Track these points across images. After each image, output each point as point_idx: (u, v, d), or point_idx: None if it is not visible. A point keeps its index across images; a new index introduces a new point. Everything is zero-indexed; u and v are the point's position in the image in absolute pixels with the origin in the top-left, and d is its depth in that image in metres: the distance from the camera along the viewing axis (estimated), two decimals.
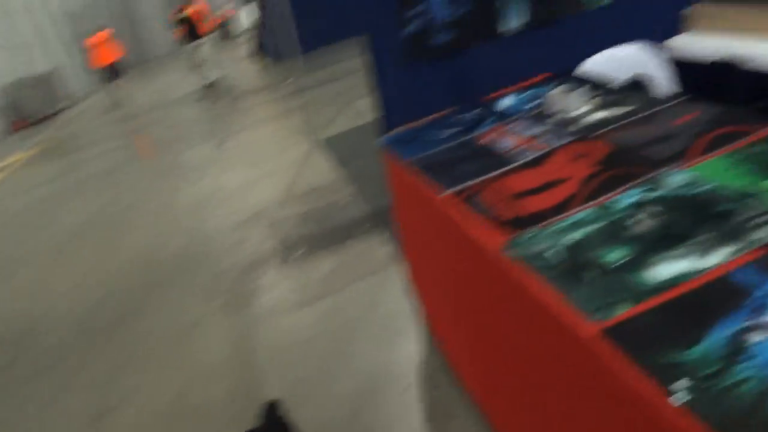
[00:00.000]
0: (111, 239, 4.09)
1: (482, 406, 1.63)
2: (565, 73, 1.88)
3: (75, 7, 13.53)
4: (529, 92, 1.80)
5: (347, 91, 5.99)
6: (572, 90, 1.59)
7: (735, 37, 1.95)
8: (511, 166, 1.34)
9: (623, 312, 0.80)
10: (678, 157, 1.17)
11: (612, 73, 1.88)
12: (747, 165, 1.08)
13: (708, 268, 0.84)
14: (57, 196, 5.57)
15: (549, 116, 1.56)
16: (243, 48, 12.24)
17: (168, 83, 11.18)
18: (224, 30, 15.45)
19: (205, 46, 8.70)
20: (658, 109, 1.44)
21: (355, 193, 3.65)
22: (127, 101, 9.94)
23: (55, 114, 10.81)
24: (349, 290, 2.64)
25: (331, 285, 2.72)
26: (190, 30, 8.41)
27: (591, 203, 1.10)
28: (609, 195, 1.11)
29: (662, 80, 2.00)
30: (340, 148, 4.56)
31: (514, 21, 1.88)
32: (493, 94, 1.87)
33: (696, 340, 0.72)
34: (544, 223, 1.08)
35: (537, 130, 1.50)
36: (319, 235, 3.25)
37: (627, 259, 0.91)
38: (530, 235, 1.05)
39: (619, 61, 1.98)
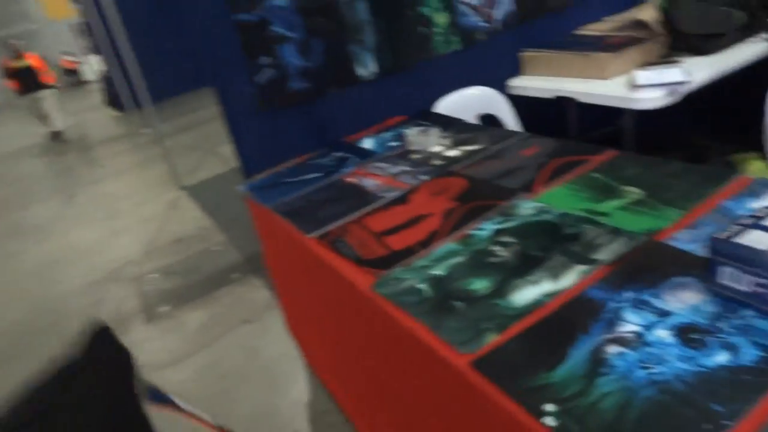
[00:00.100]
0: None
1: None
2: (420, 114, 1.96)
3: None
4: (387, 133, 1.85)
5: (210, 137, 5.79)
6: (428, 129, 1.65)
7: (559, 78, 2.18)
8: (375, 205, 1.35)
9: (490, 340, 0.81)
10: (526, 188, 1.25)
11: (463, 113, 1.99)
12: (585, 190, 1.18)
13: (564, 289, 0.89)
14: None
15: (408, 155, 1.61)
16: (95, 96, 11.42)
17: (5, 135, 10.05)
18: (74, 77, 14.35)
19: (51, 95, 7.94)
20: (504, 144, 1.54)
21: (225, 241, 3.48)
22: None
23: None
24: (226, 341, 2.48)
25: (205, 338, 2.54)
26: (31, 78, 7.62)
27: (453, 236, 1.13)
28: (469, 227, 1.14)
29: (507, 117, 2.17)
30: (207, 195, 4.36)
31: (371, 67, 1.94)
32: (353, 136, 1.90)
33: (560, 361, 0.74)
34: (410, 260, 1.08)
35: (397, 169, 1.53)
36: (187, 288, 3.04)
37: (490, 288, 0.93)
38: (398, 272, 1.05)
39: (468, 101, 2.12)
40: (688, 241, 0.93)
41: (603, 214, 1.08)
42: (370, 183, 1.48)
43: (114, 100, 8.96)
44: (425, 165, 1.51)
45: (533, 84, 2.25)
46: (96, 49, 10.02)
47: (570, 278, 0.91)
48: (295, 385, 2.09)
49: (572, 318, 0.82)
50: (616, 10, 2.57)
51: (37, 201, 5.46)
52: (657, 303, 0.80)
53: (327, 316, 1.41)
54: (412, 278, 1.01)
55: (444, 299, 0.93)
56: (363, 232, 1.23)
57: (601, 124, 2.36)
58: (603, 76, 2.05)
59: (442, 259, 1.05)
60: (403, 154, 1.63)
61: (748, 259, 0.73)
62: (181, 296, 2.95)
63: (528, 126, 2.16)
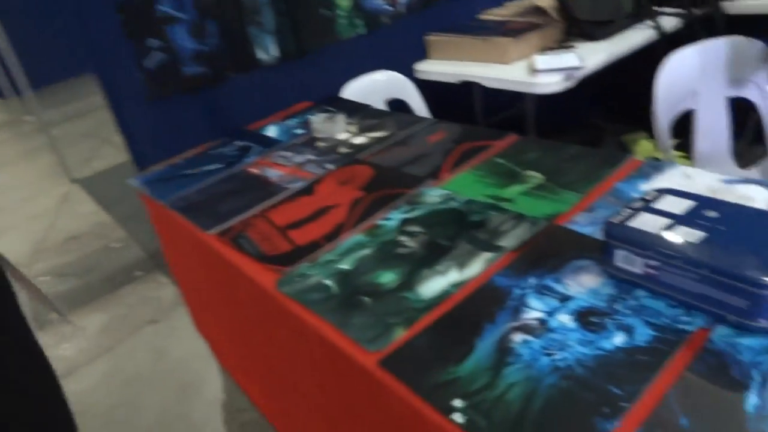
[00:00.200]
0: None
1: None
2: (327, 100, 1.91)
3: None
4: (292, 120, 1.78)
5: (104, 124, 5.34)
6: (334, 116, 1.60)
7: (464, 62, 2.20)
8: (279, 197, 1.29)
9: (399, 336, 0.79)
10: (433, 175, 1.24)
11: (370, 98, 1.96)
12: (490, 176, 1.19)
13: (470, 278, 0.88)
14: None
15: (314, 143, 1.55)
16: None
17: None
18: None
19: None
20: (412, 130, 1.52)
21: (125, 237, 3.25)
22: None
23: None
24: (130, 344, 2.32)
25: (106, 342, 2.36)
26: None
27: (360, 228, 1.09)
28: (376, 217, 1.12)
29: (415, 102, 2.16)
30: (103, 188, 4.05)
31: (272, 51, 1.85)
32: (256, 124, 1.81)
33: (467, 353, 0.73)
34: (315, 254, 1.04)
35: (303, 158, 1.47)
36: (85, 289, 2.81)
37: (398, 281, 0.91)
38: (303, 268, 1.00)
39: (375, 86, 2.08)
40: (585, 224, 0.96)
41: (507, 199, 1.09)
42: (274, 173, 1.42)
43: None
44: (331, 153, 1.47)
45: (439, 68, 2.26)
46: None
47: (476, 267, 0.91)
48: (207, 386, 1.99)
49: (479, 308, 0.81)
50: None
51: None
52: (559, 288, 0.82)
53: (232, 316, 1.34)
54: (318, 274, 0.97)
55: (351, 295, 0.90)
56: (266, 227, 1.17)
57: (506, 108, 2.42)
58: (504, 61, 2.09)
59: (349, 252, 1.02)
60: (308, 142, 1.57)
61: (639, 242, 0.76)
62: (77, 299, 2.73)
63: (436, 110, 2.17)
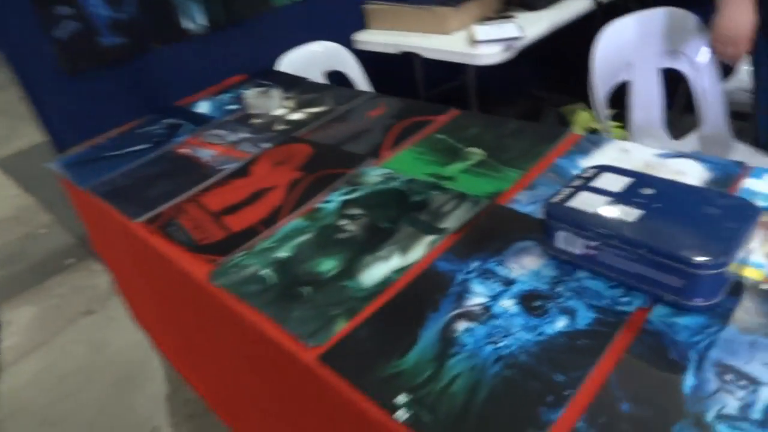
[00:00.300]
0: None
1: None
2: (260, 73, 1.81)
3: None
4: (225, 95, 1.69)
5: (20, 102, 5.00)
6: (270, 90, 1.53)
7: (403, 32, 2.14)
8: (212, 179, 1.21)
9: (340, 329, 0.76)
10: (374, 153, 1.20)
11: (308, 70, 1.88)
12: (431, 153, 1.16)
13: (413, 263, 0.86)
14: None
15: (248, 120, 1.48)
16: None
17: None
18: None
19: None
20: (351, 105, 1.47)
21: (52, 222, 3.06)
22: None
23: None
24: (64, 337, 2.20)
25: (38, 336, 2.23)
26: None
27: (299, 211, 1.05)
28: (316, 200, 1.07)
29: (354, 74, 2.09)
30: (25, 169, 3.77)
31: (199, 20, 1.73)
32: (186, 100, 1.70)
33: (411, 345, 0.71)
34: (252, 242, 0.98)
35: (237, 136, 1.39)
36: (9, 280, 2.63)
37: (339, 268, 0.87)
38: (238, 258, 0.95)
39: (313, 57, 2.00)
40: (527, 203, 0.95)
41: (448, 178, 1.07)
42: (206, 154, 1.34)
43: None
44: (267, 131, 1.40)
45: (378, 39, 2.19)
46: None
47: (419, 251, 0.88)
48: (150, 378, 1.91)
49: (421, 295, 0.79)
50: None
51: None
52: (501, 271, 0.80)
53: (167, 308, 1.27)
54: (255, 264, 0.92)
55: (290, 285, 0.86)
56: (199, 213, 1.10)
57: (447, 79, 2.39)
58: (444, 31, 2.05)
59: (288, 238, 0.97)
60: (242, 119, 1.49)
61: (579, 222, 0.75)
62: (1, 291, 2.56)
63: (377, 82, 2.11)
